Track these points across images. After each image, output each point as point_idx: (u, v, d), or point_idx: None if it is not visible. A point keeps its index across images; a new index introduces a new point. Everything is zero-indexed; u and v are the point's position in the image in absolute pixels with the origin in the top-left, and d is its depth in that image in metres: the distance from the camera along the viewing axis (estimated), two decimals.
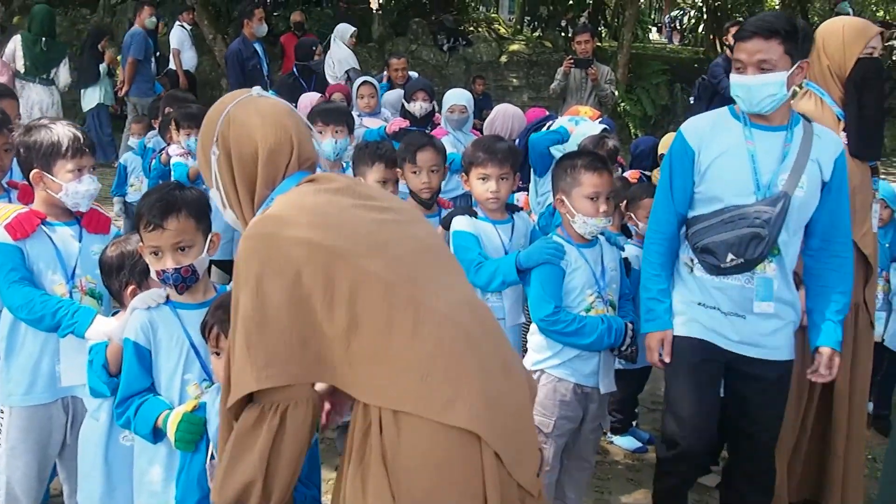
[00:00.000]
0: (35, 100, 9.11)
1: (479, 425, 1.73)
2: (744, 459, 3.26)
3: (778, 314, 3.05)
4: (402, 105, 6.13)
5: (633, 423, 4.47)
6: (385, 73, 7.87)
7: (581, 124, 4.73)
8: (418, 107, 5.95)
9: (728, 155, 2.97)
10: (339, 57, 8.85)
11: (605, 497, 3.88)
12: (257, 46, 8.58)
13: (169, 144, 5.32)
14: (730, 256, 2.93)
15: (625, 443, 4.38)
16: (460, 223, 3.44)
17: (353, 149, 4.02)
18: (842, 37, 3.45)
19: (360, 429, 1.77)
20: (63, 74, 9.45)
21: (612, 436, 4.40)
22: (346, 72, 8.52)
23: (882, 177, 4.13)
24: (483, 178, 3.45)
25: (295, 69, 7.99)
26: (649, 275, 3.15)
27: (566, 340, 3.13)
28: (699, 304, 3.07)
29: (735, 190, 2.95)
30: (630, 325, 3.22)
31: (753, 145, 2.96)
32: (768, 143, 2.97)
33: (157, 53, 10.41)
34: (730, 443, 3.41)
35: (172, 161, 5.01)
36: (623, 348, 3.21)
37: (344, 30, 9.27)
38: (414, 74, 8.04)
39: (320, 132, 4.26)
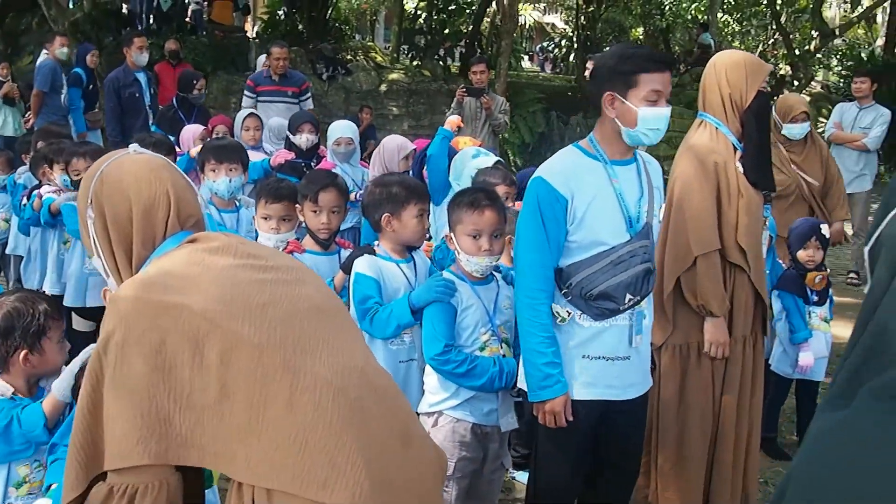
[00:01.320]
0: None
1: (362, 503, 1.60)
2: (609, 487, 3.19)
3: (646, 344, 3.06)
4: (287, 137, 5.99)
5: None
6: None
7: (478, 157, 4.73)
8: (304, 139, 5.82)
9: (600, 197, 2.86)
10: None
11: None
12: (140, 76, 8.43)
13: (41, 182, 5.04)
14: (628, 297, 2.87)
15: (525, 478, 4.34)
16: (361, 265, 3.32)
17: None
18: (745, 69, 3.50)
19: None
20: None
21: (514, 471, 4.35)
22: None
23: None
24: (421, 216, 3.39)
25: (175, 101, 7.74)
26: (542, 338, 2.85)
27: (457, 381, 3.06)
28: (584, 356, 2.92)
29: (613, 230, 2.88)
30: None
31: (618, 183, 2.90)
32: (627, 178, 2.94)
33: (90, 86, 9.86)
34: (590, 475, 3.22)
35: (44, 196, 4.74)
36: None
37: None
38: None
39: (213, 170, 4.12)
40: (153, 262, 1.80)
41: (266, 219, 3.61)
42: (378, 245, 3.44)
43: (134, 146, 1.98)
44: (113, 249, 1.87)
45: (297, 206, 3.70)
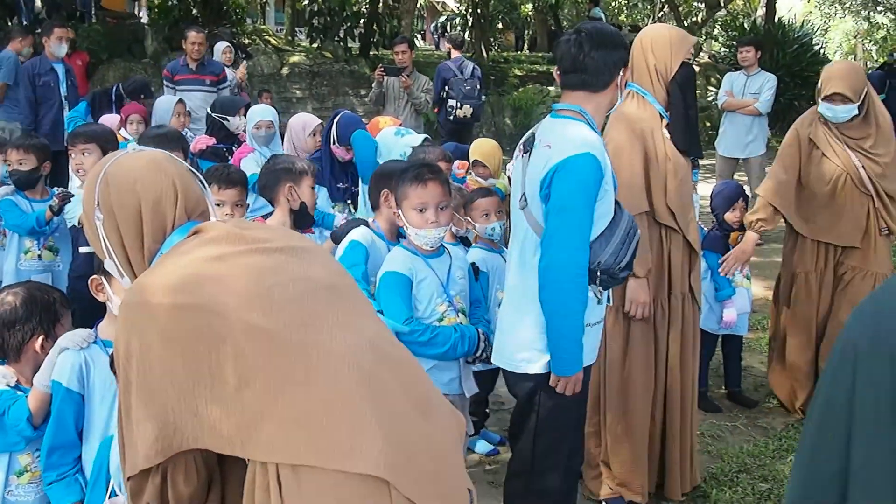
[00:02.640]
0: None
1: (386, 471, 1.63)
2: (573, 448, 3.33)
3: None
4: (211, 122, 5.90)
5: (484, 424, 4.57)
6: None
7: (406, 136, 4.80)
8: (241, 124, 5.76)
9: (609, 170, 3.00)
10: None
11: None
12: (57, 66, 8.31)
13: None
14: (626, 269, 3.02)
15: (479, 447, 4.46)
16: (357, 234, 3.40)
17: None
18: (669, 41, 3.67)
19: (260, 488, 1.66)
20: None
21: (470, 441, 4.48)
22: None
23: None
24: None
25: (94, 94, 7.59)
26: (581, 316, 2.93)
27: (420, 351, 3.12)
28: (587, 325, 3.02)
29: (612, 200, 3.01)
30: (481, 332, 3.30)
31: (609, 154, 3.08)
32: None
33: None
34: None
35: None
36: (479, 354, 3.29)
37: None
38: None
39: None
40: (160, 260, 1.82)
41: (220, 205, 3.60)
42: (374, 221, 3.52)
43: (132, 144, 1.99)
44: (126, 248, 1.88)
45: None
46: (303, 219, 3.75)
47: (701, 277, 4.91)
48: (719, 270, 4.79)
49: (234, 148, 5.73)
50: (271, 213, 3.81)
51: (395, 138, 4.85)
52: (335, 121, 4.79)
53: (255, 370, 1.63)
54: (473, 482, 3.51)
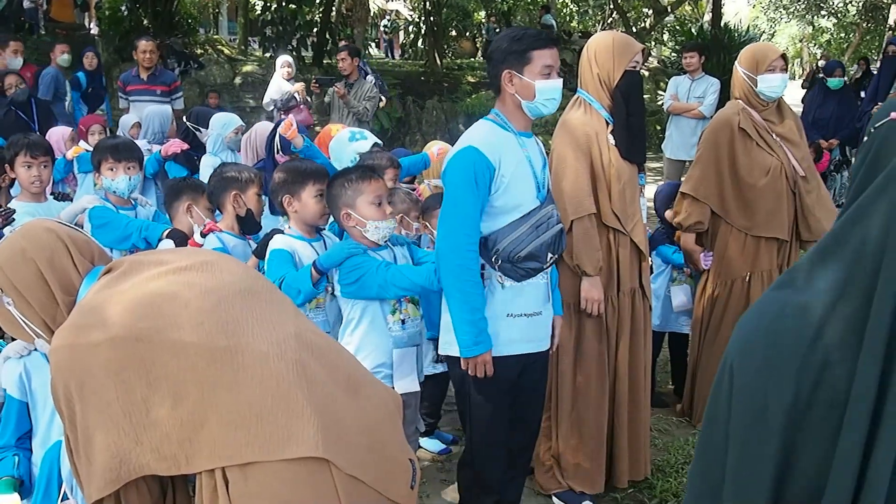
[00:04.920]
0: None
1: (324, 450, 1.73)
2: (520, 443, 3.45)
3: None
4: (186, 128, 5.94)
5: (438, 425, 4.66)
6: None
7: (358, 141, 4.87)
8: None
9: (517, 163, 3.13)
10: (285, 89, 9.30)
11: (424, 500, 4.02)
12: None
13: None
14: (549, 255, 3.14)
15: (431, 445, 4.54)
16: (276, 243, 3.46)
17: (163, 188, 3.99)
18: (612, 50, 3.76)
19: (208, 490, 1.75)
20: None
21: (420, 438, 4.56)
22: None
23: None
24: (320, 195, 3.50)
25: (10, 105, 7.49)
26: (476, 294, 3.08)
27: (411, 279, 3.21)
28: (507, 315, 3.16)
29: (527, 196, 3.15)
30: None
31: (527, 151, 3.18)
32: (532, 148, 3.23)
33: (90, 88, 9.60)
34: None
35: None
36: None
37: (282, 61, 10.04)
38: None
39: (111, 169, 4.11)
40: (77, 306, 1.89)
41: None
42: (289, 227, 3.58)
43: (7, 228, 2.07)
44: (43, 317, 1.97)
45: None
46: (249, 225, 3.82)
47: (653, 276, 5.10)
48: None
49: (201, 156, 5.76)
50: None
51: (346, 143, 4.91)
52: (277, 129, 4.84)
53: (186, 384, 1.71)
54: (425, 480, 3.63)
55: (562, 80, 3.18)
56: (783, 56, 4.50)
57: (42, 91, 9.11)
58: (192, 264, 1.91)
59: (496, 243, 3.09)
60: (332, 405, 1.82)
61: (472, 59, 24.47)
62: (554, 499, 4.03)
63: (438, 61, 19.32)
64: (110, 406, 1.70)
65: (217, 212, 3.91)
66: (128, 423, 1.70)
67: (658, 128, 15.53)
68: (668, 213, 5.03)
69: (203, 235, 3.66)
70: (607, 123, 3.81)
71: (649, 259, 4.12)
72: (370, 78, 9.05)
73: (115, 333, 1.73)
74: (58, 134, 5.90)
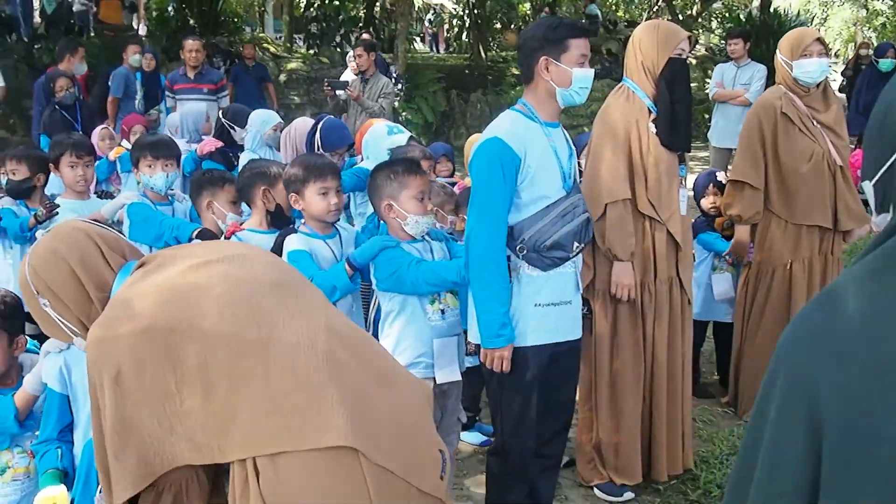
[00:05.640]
0: None
1: (353, 440, 1.74)
2: (552, 433, 3.41)
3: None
4: (222, 127, 5.99)
5: (477, 418, 4.65)
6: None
7: (396, 135, 4.87)
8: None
9: (543, 155, 3.12)
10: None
11: (465, 492, 4.03)
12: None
13: None
14: (575, 245, 3.13)
15: (471, 438, 4.54)
16: (293, 243, 3.46)
17: (199, 175, 4.06)
18: (657, 38, 3.76)
19: (240, 481, 1.77)
20: None
21: (469, 437, 4.56)
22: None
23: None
24: (325, 193, 3.49)
25: (56, 105, 7.64)
26: (502, 288, 3.08)
27: (442, 276, 3.20)
28: (535, 305, 3.14)
29: (553, 186, 3.14)
30: None
31: (553, 142, 3.17)
32: (558, 138, 3.21)
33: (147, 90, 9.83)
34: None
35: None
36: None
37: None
38: None
39: (149, 166, 4.19)
40: (114, 296, 1.93)
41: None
42: (303, 224, 3.60)
43: (39, 231, 2.10)
44: (78, 316, 2.00)
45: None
46: (279, 220, 3.84)
47: (696, 264, 5.04)
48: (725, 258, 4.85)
49: (238, 154, 5.81)
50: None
51: (385, 136, 4.91)
52: (318, 126, 4.85)
53: (218, 375, 1.73)
54: (466, 472, 3.63)
55: (593, 70, 3.17)
56: (820, 40, 4.40)
57: (114, 90, 9.45)
58: (223, 257, 1.94)
59: (521, 233, 3.08)
60: (362, 396, 1.83)
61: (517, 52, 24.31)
62: (595, 490, 4.02)
63: (483, 54, 19.27)
64: (146, 397, 1.73)
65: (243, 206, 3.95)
66: (162, 413, 1.73)
67: (706, 116, 15.32)
68: (704, 202, 4.96)
69: (227, 238, 3.69)
70: (649, 112, 3.81)
71: (689, 250, 4.04)
72: (385, 79, 8.97)
73: (146, 324, 1.76)
74: (97, 136, 6.02)
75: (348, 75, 9.67)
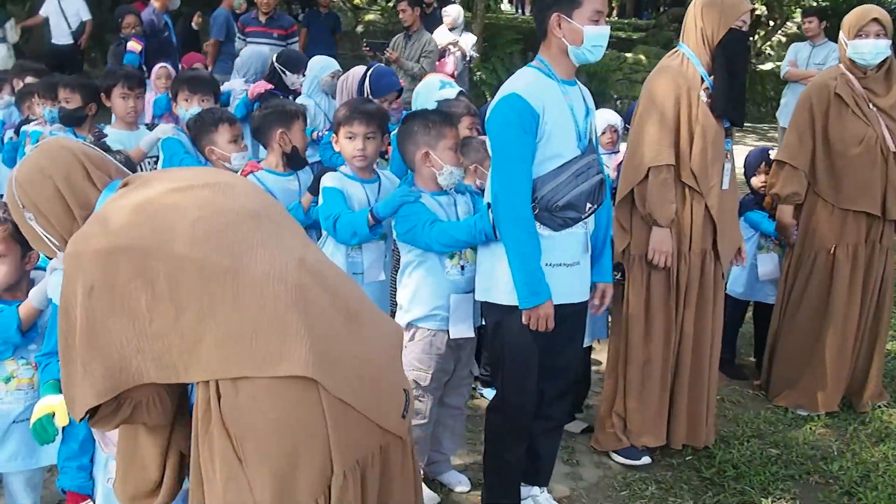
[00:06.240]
0: None
1: (313, 370, 1.77)
2: (556, 394, 3.36)
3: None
4: (273, 69, 6.04)
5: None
6: None
7: (446, 89, 4.87)
8: (297, 81, 5.90)
9: (559, 112, 3.05)
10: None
11: (479, 448, 4.05)
12: (167, 19, 8.91)
13: (27, 118, 5.21)
14: (588, 205, 3.08)
15: (488, 393, 4.54)
16: (328, 180, 3.51)
17: (191, 120, 4.05)
18: (720, 7, 3.69)
19: (202, 402, 1.82)
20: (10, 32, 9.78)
21: (481, 388, 4.59)
22: None
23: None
24: (350, 137, 3.53)
25: (123, 40, 7.80)
26: (533, 244, 3.01)
27: (454, 236, 3.20)
28: (546, 265, 3.07)
29: (568, 144, 3.08)
30: None
31: (570, 99, 3.09)
32: (574, 97, 3.12)
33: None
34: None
35: (31, 131, 4.84)
36: None
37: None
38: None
39: (186, 100, 4.30)
40: (94, 213, 1.97)
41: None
42: (345, 165, 3.65)
43: (29, 148, 2.14)
44: (61, 233, 2.04)
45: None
46: (295, 161, 3.87)
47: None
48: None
49: (289, 98, 5.86)
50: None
51: (435, 89, 4.91)
52: (368, 73, 4.87)
53: (188, 298, 1.77)
54: (482, 429, 3.65)
55: (609, 27, 3.09)
56: (879, 20, 4.21)
57: (215, 32, 9.50)
58: (206, 183, 1.96)
59: (535, 192, 3.03)
60: (328, 330, 1.85)
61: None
62: (613, 455, 4.03)
63: None
64: (116, 313, 1.77)
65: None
66: (131, 331, 1.77)
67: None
68: (754, 180, 4.85)
69: (244, 175, 3.73)
70: (702, 80, 3.74)
71: (733, 226, 3.97)
72: (428, 35, 8.82)
73: (119, 243, 1.80)
74: (154, 73, 6.17)
75: (443, 33, 9.53)
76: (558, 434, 3.52)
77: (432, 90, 4.91)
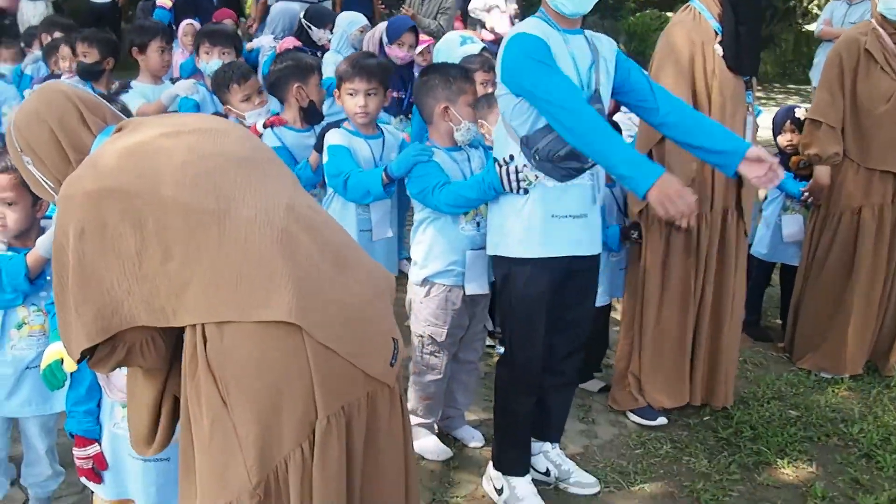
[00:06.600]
0: (29, 14, 9.11)
1: (297, 316, 1.77)
2: (567, 349, 3.31)
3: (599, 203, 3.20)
4: (301, 25, 6.04)
5: None
6: None
7: (467, 45, 4.83)
8: (324, 36, 5.90)
9: (562, 60, 2.95)
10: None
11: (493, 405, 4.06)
12: None
13: (52, 73, 5.25)
14: None
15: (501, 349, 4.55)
16: (333, 137, 3.50)
17: (214, 74, 4.06)
18: None
19: (189, 347, 1.83)
20: None
21: (499, 347, 4.58)
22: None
23: (762, 104, 4.29)
24: (352, 94, 3.53)
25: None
26: (616, 135, 2.94)
27: (464, 195, 3.18)
28: (552, 216, 3.02)
29: None
30: None
31: (571, 48, 2.99)
32: (578, 45, 3.02)
33: None
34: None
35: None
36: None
37: None
38: None
39: (207, 52, 4.34)
40: (88, 156, 1.97)
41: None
42: (348, 122, 3.64)
43: (26, 92, 2.15)
44: (57, 176, 2.05)
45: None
46: (312, 116, 3.86)
47: (766, 202, 4.86)
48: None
49: (317, 54, 5.86)
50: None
51: (456, 46, 4.88)
52: (386, 24, 4.85)
53: (175, 242, 1.77)
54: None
55: None
56: None
57: None
58: (196, 129, 1.95)
59: (536, 142, 2.96)
60: (314, 276, 1.85)
61: None
62: (629, 415, 4.02)
63: None
64: (106, 255, 1.78)
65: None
66: (121, 274, 1.78)
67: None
68: (780, 139, 4.75)
69: (265, 127, 3.73)
70: (716, 34, 3.67)
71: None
72: None
73: (108, 185, 1.80)
74: (180, 31, 6.19)
75: None
76: (570, 391, 3.50)
77: (453, 46, 4.88)
